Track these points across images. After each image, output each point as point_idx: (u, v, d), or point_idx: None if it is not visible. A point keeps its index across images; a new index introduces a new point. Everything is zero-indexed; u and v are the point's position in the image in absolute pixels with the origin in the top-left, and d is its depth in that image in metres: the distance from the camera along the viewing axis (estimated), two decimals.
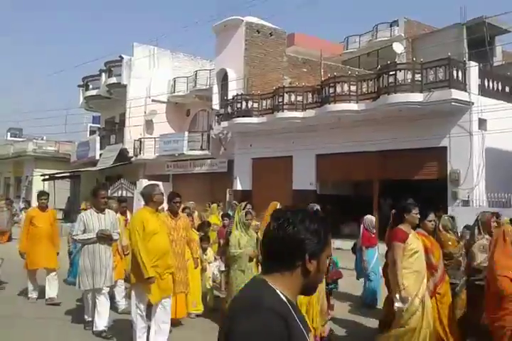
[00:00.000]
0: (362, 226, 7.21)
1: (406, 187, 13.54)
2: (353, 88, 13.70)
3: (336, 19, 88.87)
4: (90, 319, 5.53)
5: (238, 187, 17.63)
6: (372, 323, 5.90)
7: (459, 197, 12.07)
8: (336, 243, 11.85)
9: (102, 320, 5.34)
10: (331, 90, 13.92)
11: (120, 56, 23.86)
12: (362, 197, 14.67)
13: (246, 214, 5.58)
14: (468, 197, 11.93)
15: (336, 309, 6.13)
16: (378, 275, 6.81)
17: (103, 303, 5.41)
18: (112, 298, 6.04)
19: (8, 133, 39.22)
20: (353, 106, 13.55)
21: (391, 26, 24.15)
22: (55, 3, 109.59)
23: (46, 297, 6.76)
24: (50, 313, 6.28)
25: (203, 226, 7.43)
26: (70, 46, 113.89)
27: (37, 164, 29.30)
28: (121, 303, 6.47)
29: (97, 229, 5.43)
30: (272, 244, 1.39)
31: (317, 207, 6.06)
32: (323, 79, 16.02)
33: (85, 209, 6.78)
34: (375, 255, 7.08)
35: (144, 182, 21.19)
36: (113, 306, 6.10)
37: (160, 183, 21.26)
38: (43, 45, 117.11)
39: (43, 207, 7.10)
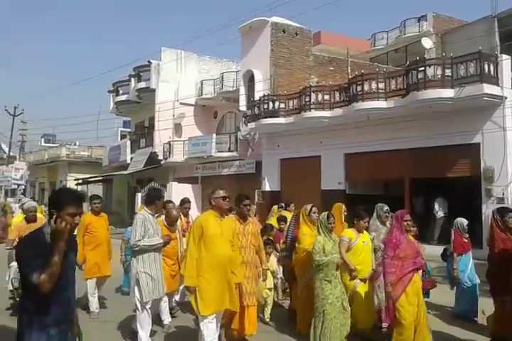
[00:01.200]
0: (452, 230, 6.58)
1: (438, 185, 13.25)
2: (381, 85, 13.44)
3: (362, 16, 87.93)
4: (142, 331, 5.10)
5: (267, 187, 17.61)
6: (469, 336, 5.59)
7: (494, 195, 11.68)
8: None
9: (144, 331, 5.06)
10: (359, 88, 13.71)
11: (148, 61, 24.26)
12: (393, 197, 14.41)
13: (328, 218, 5.12)
14: (503, 194, 11.54)
15: (429, 321, 5.32)
16: (475, 283, 6.36)
17: (150, 314, 5.14)
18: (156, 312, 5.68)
19: (43, 140, 40.40)
20: (381, 103, 13.31)
21: (419, 21, 23.66)
22: (83, 14, 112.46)
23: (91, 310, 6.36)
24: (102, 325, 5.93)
25: (266, 230, 7.05)
26: (100, 52, 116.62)
27: (70, 169, 30.11)
28: (167, 320, 5.89)
29: (155, 233, 5.20)
30: None
31: (386, 207, 5.88)
32: (350, 77, 15.82)
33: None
34: (470, 261, 6.47)
35: (174, 185, 21.54)
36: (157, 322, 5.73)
37: (189, 185, 21.65)
38: (75, 52, 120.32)
39: (96, 212, 6.62)
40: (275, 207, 10.14)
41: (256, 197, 17.58)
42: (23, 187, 30.82)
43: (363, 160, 14.52)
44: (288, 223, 6.93)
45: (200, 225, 4.54)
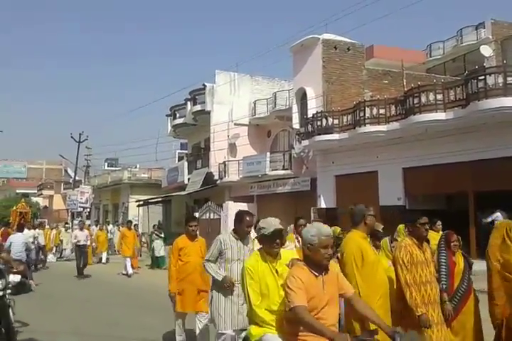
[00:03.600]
0: None
1: (505, 198, 12.43)
2: (440, 96, 12.99)
3: (416, 28, 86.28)
4: None
5: (322, 205, 17.30)
6: None
7: None
8: None
9: None
10: (416, 100, 13.32)
11: (203, 84, 24.97)
12: (456, 211, 13.67)
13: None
14: None
15: None
16: None
17: None
18: None
19: (106, 164, 42.20)
20: (440, 115, 12.82)
21: (477, 29, 22.86)
22: (140, 39, 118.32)
23: None
24: None
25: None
26: (157, 77, 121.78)
27: (132, 191, 31.16)
28: None
29: (235, 259, 4.39)
30: None
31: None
32: (406, 89, 15.42)
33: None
34: None
35: (230, 204, 21.66)
36: None
37: (245, 204, 21.70)
38: (132, 78, 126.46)
39: (192, 236, 5.72)
40: (401, 226, 8.55)
41: (312, 214, 17.30)
42: (88, 209, 32.18)
43: (423, 174, 13.96)
44: (438, 247, 5.04)
45: (360, 249, 3.93)
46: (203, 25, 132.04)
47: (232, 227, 4.53)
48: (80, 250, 14.00)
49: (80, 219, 29.00)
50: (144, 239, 21.75)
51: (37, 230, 16.36)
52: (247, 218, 4.41)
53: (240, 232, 4.43)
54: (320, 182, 17.60)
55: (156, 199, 27.62)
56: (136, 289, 11.27)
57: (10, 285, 5.79)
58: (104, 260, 18.24)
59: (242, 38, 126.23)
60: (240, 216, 4.41)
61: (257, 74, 25.74)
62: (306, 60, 18.92)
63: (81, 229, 14.78)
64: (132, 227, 15.97)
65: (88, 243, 14.92)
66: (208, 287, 5.25)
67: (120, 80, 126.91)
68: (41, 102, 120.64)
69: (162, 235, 17.11)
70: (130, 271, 14.02)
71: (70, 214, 34.20)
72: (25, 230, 13.24)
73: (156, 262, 16.32)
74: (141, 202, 27.91)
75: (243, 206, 21.56)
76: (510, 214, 12.42)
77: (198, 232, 5.87)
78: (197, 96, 25.84)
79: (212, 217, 22.34)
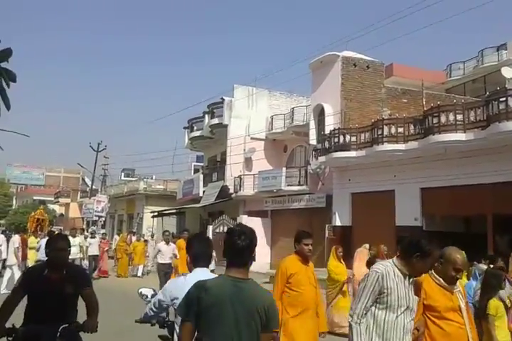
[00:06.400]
0: None
1: None
2: (459, 117, 12.88)
3: (437, 48, 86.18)
4: None
5: (337, 222, 17.15)
6: None
7: None
8: None
9: None
10: (435, 120, 13.22)
11: (222, 98, 25.19)
12: (474, 234, 13.42)
13: None
14: None
15: None
16: None
17: None
18: None
19: (122, 174, 42.57)
20: (460, 136, 12.69)
21: (498, 50, 22.74)
22: (163, 54, 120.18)
23: None
24: None
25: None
26: (176, 90, 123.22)
27: (147, 202, 31.30)
28: None
29: (402, 306, 2.95)
30: None
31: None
32: (425, 109, 15.34)
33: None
34: None
35: (244, 218, 21.62)
36: None
37: (259, 219, 21.64)
38: (156, 91, 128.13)
39: (306, 258, 4.47)
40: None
41: (326, 232, 17.17)
42: (104, 218, 32.41)
43: (441, 195, 13.77)
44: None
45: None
46: (224, 39, 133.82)
47: (397, 256, 3.13)
48: (165, 269, 10.98)
49: (95, 227, 29.24)
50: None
51: (88, 239, 15.61)
52: (458, 256, 3.29)
53: (420, 266, 2.99)
54: (336, 200, 17.48)
55: (170, 211, 27.72)
56: None
57: None
58: (139, 273, 17.29)
59: (261, 53, 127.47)
60: (435, 251, 3.05)
61: (275, 90, 25.90)
62: (325, 76, 18.98)
63: (167, 242, 11.43)
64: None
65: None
66: (324, 327, 4.31)
67: (140, 91, 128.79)
68: (63, 110, 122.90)
69: None
70: None
71: (85, 222, 34.49)
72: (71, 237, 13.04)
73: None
74: (156, 213, 28.03)
75: (257, 220, 21.53)
76: None
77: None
78: (215, 110, 26.05)
79: (225, 230, 22.29)
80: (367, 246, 8.74)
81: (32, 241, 15.58)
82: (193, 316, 2.40)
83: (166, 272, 10.90)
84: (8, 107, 2.02)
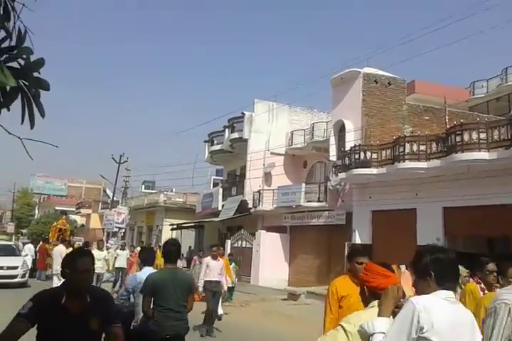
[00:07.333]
0: None
1: None
2: (483, 135, 12.67)
3: (459, 65, 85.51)
4: None
5: (357, 240, 16.91)
6: None
7: None
8: None
9: None
10: (458, 138, 13.04)
11: (242, 112, 25.38)
12: (499, 256, 13.03)
13: None
14: None
15: None
16: None
17: None
18: None
19: (143, 186, 42.97)
20: (483, 155, 12.47)
21: None
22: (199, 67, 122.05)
23: None
24: None
25: None
26: (197, 105, 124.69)
27: (167, 214, 31.48)
28: None
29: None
30: None
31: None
32: (448, 126, 15.16)
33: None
34: None
35: (263, 234, 21.55)
36: None
37: (278, 235, 21.52)
38: (179, 104, 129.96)
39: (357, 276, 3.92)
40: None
41: (346, 250, 16.93)
42: (124, 230, 32.68)
43: (465, 215, 13.49)
44: None
45: None
46: (246, 54, 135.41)
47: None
48: (212, 287, 9.60)
49: (114, 238, 29.46)
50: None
51: (117, 250, 15.46)
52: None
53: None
54: (355, 217, 17.28)
55: (189, 224, 27.80)
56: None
57: None
58: None
59: (282, 68, 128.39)
60: None
61: (295, 105, 25.98)
62: (346, 92, 18.96)
63: (214, 257, 9.87)
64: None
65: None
66: None
67: (162, 105, 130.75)
68: (86, 122, 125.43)
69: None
70: (221, 310, 10.74)
71: (105, 233, 34.81)
72: (95, 251, 12.78)
73: (230, 294, 14.01)
74: (175, 226, 28.15)
75: (276, 236, 21.43)
76: None
77: None
78: (235, 124, 26.23)
79: (244, 245, 22.25)
80: (403, 267, 7.17)
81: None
82: (149, 293, 4.52)
83: (214, 292, 9.61)
84: (42, 115, 2.06)
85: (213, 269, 9.60)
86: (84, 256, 2.84)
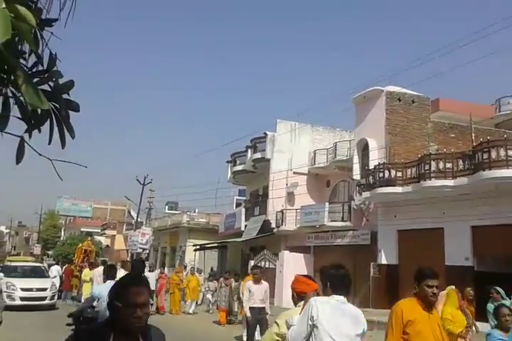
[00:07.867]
0: None
1: None
2: (511, 152, 12.43)
3: (485, 82, 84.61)
4: None
5: (383, 261, 16.56)
6: None
7: None
8: None
9: None
10: (485, 156, 12.82)
11: (264, 133, 25.53)
12: None
13: None
14: None
15: None
16: None
17: None
18: None
19: (166, 207, 43.31)
20: (511, 172, 12.20)
21: None
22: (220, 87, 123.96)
23: None
24: None
25: None
26: (219, 125, 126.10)
27: (190, 235, 31.53)
28: None
29: None
30: None
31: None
32: (474, 144, 14.91)
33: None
34: None
35: (286, 254, 21.30)
36: None
37: (301, 255, 21.25)
38: (202, 126, 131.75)
39: (430, 303, 3.54)
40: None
41: (371, 270, 16.58)
42: (147, 251, 32.81)
43: (494, 234, 13.11)
44: None
45: None
46: (267, 74, 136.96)
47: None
48: (256, 314, 8.74)
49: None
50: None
51: (146, 273, 14.27)
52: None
53: None
54: (381, 237, 16.97)
55: (212, 245, 27.74)
56: None
57: None
58: (191, 310, 16.15)
59: (304, 88, 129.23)
60: None
61: (317, 124, 26.01)
62: (369, 111, 18.92)
63: (257, 281, 8.99)
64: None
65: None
66: None
67: (186, 126, 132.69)
68: (111, 145, 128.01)
69: None
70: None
71: (129, 254, 35.00)
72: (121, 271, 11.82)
73: None
74: (198, 247, 28.12)
75: (299, 257, 21.14)
76: None
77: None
78: (258, 144, 26.33)
79: (267, 265, 21.99)
80: (453, 287, 6.54)
81: (86, 273, 15.47)
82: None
83: (259, 319, 8.67)
84: (72, 136, 2.10)
85: (256, 294, 8.80)
86: (142, 285, 2.13)
